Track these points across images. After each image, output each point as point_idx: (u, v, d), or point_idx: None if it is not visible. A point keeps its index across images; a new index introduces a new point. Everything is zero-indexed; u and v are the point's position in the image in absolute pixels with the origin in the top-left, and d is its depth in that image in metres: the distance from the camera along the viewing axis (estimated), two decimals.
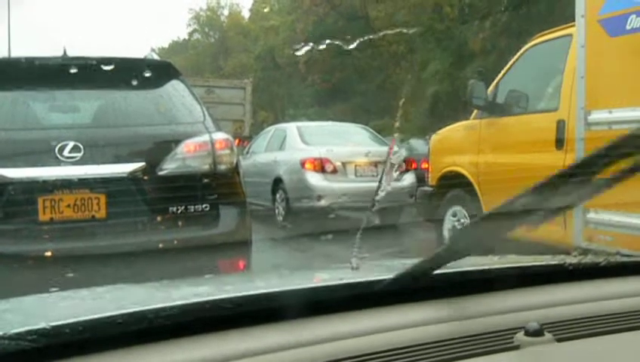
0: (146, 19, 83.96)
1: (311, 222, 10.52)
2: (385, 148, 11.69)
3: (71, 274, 3.76)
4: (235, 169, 4.59)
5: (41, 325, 1.21)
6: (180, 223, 4.35)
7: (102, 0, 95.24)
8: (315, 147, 11.10)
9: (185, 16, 63.50)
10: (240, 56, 51.91)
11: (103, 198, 4.16)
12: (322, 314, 1.35)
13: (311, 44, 2.36)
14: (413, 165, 11.41)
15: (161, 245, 4.21)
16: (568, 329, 1.30)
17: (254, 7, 57.46)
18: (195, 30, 62.21)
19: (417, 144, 15.92)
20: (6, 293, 1.99)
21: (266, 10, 50.84)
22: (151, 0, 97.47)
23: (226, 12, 61.71)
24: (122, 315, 1.26)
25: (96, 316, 1.31)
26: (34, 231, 4.11)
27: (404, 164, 11.02)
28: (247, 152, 13.13)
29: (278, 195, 11.28)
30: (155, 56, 5.46)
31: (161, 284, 1.90)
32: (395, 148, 1.83)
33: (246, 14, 60.21)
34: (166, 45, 63.33)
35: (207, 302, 1.34)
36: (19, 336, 1.17)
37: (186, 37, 62.90)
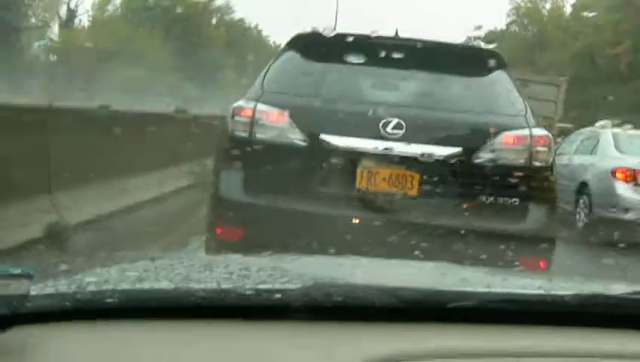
0: (468, 9, 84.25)
1: (613, 233, 9.89)
2: None
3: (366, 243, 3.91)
4: (551, 167, 4.48)
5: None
6: (487, 212, 4.34)
7: None
8: (630, 156, 10.41)
9: (505, 6, 62.40)
10: (556, 52, 50.05)
11: (417, 177, 4.29)
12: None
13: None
14: None
15: (463, 231, 4.24)
16: None
17: (578, 2, 54.95)
18: (513, 21, 61.15)
19: None
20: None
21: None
22: None
23: (548, 5, 59.79)
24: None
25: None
26: (350, 197, 4.35)
27: None
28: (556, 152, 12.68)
29: (581, 200, 10.78)
30: (482, 44, 5.47)
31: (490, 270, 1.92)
32: None
33: (568, 9, 57.89)
34: (482, 34, 62.94)
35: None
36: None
37: (504, 27, 62.00)
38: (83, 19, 53.21)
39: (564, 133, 14.21)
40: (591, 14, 46.04)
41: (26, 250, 5.46)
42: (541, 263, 4.34)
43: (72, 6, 51.14)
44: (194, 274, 1.44)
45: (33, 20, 46.78)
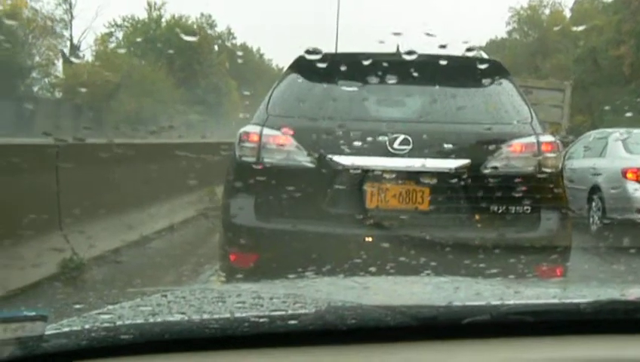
0: (465, 18, 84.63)
1: (627, 235, 9.82)
2: None
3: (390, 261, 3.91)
4: (560, 173, 4.48)
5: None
6: (499, 222, 4.33)
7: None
8: (639, 156, 10.35)
9: (505, 14, 62.64)
10: (559, 57, 50.11)
11: (427, 191, 4.29)
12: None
13: None
14: None
15: (477, 242, 4.23)
16: None
17: (576, 7, 55.07)
18: (514, 29, 61.29)
19: None
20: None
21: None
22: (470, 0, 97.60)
23: (547, 11, 59.95)
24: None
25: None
26: (360, 216, 4.35)
27: None
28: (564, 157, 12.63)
29: (593, 204, 10.71)
30: (484, 55, 5.47)
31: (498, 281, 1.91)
32: None
33: (568, 14, 58.02)
34: (483, 44, 63.04)
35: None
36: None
37: (505, 35, 62.11)
38: (87, 55, 53.63)
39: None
40: (580, 28, 46.13)
41: (42, 288, 5.48)
42: (556, 270, 4.32)
43: (76, 42, 51.59)
44: (207, 306, 1.44)
45: (37, 59, 47.20)
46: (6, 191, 5.43)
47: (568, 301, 1.43)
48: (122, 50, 55.96)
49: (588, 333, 1.29)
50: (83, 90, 43.06)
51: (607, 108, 32.93)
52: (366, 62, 4.70)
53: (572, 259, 4.63)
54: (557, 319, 1.31)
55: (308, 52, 4.23)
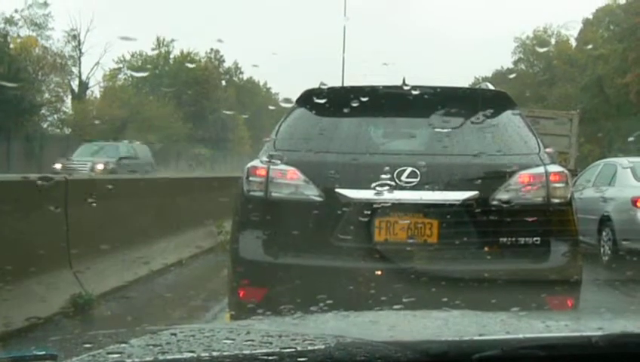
0: (470, 50, 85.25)
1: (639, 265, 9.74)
2: None
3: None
4: (569, 203, 4.45)
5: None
6: (508, 254, 4.32)
7: (431, 31, 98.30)
8: None
9: (510, 45, 62.83)
10: (565, 86, 50.24)
11: (435, 224, 4.27)
12: None
13: None
14: None
15: (486, 274, 4.21)
16: None
17: (581, 36, 55.29)
18: (519, 59, 61.51)
19: None
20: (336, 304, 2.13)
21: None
22: (476, 31, 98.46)
23: (552, 40, 60.18)
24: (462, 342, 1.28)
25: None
26: (369, 250, 4.33)
27: None
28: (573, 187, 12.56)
29: (604, 234, 10.65)
30: (490, 86, 5.48)
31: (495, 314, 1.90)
32: None
33: (573, 43, 58.23)
34: (489, 75, 63.24)
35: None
36: None
37: (511, 66, 62.31)
38: (95, 91, 54.01)
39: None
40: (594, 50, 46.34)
41: (51, 325, 5.46)
42: (567, 301, 4.29)
43: (84, 78, 51.93)
44: (216, 344, 1.43)
45: (47, 95, 47.44)
46: (16, 227, 5.45)
47: (580, 334, 1.42)
48: (130, 86, 56.37)
49: None
50: (91, 125, 43.31)
51: (615, 136, 32.90)
52: (372, 95, 4.71)
53: (583, 290, 4.59)
54: (569, 353, 1.30)
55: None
